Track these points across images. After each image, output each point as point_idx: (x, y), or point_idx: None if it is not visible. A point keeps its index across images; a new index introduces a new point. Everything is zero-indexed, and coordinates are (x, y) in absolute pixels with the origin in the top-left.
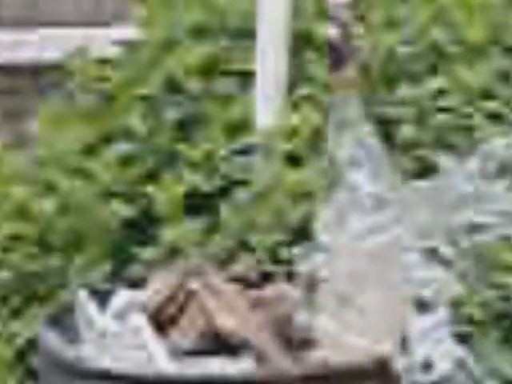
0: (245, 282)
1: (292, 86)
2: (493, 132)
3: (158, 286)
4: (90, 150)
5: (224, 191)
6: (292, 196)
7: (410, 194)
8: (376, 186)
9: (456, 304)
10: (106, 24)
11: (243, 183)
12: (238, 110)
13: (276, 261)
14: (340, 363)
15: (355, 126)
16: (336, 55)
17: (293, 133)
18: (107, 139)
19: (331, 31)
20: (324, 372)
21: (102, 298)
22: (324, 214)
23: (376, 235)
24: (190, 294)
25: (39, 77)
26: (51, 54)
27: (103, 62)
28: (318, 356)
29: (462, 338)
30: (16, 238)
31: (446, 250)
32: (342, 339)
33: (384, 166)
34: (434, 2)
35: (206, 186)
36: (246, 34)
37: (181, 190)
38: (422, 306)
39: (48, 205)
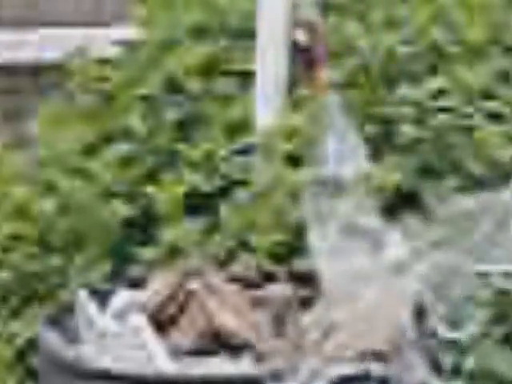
0: (245, 282)
1: (292, 86)
2: (493, 132)
3: (158, 286)
4: (90, 150)
5: (224, 191)
6: (292, 196)
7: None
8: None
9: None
10: (106, 24)
11: (243, 183)
12: (237, 110)
13: (276, 261)
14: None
15: (337, 125)
16: (306, 57)
17: (293, 133)
18: (107, 139)
19: (299, 35)
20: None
21: (102, 297)
22: (318, 245)
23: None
24: (190, 294)
25: (39, 77)
26: (51, 54)
27: (103, 61)
28: (318, 353)
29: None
30: (16, 237)
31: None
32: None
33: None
34: (434, 1)
35: (205, 185)
36: (246, 34)
37: (181, 190)
38: None
39: (48, 205)
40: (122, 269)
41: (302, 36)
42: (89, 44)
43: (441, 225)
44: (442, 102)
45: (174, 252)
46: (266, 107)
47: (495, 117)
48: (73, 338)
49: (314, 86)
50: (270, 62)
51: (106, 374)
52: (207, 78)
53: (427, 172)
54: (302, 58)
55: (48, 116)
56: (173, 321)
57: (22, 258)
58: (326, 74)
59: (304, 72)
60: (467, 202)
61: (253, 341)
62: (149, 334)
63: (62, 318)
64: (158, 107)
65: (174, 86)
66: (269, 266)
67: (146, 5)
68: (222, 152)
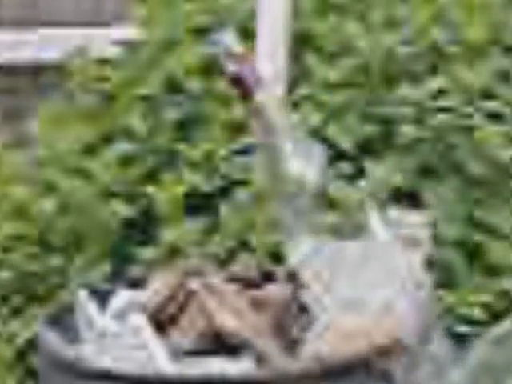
0: (245, 282)
1: (292, 85)
2: (493, 132)
3: (158, 286)
4: (90, 150)
5: (224, 191)
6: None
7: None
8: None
9: (454, 304)
10: (106, 24)
11: (243, 183)
12: (237, 110)
13: (276, 261)
14: (339, 358)
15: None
16: (242, 87)
17: None
18: (107, 139)
19: (230, 66)
20: (323, 370)
21: (102, 297)
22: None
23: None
24: (190, 294)
25: (39, 77)
26: (51, 54)
27: (103, 61)
28: (316, 352)
29: (462, 338)
30: (16, 237)
31: None
32: (339, 330)
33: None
34: (434, 1)
35: (206, 185)
36: (246, 33)
37: (181, 190)
38: None
39: (48, 205)
40: (121, 269)
41: (230, 67)
42: (89, 44)
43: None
44: (442, 102)
45: (174, 252)
46: None
47: (495, 117)
48: (73, 338)
49: (253, 111)
50: (269, 62)
51: (106, 374)
52: (207, 78)
53: (427, 172)
54: (236, 88)
55: (48, 116)
56: (173, 321)
57: (22, 258)
58: (262, 96)
59: (240, 100)
60: None
61: (253, 341)
62: (149, 334)
63: (62, 318)
64: (157, 107)
65: (173, 86)
66: (269, 266)
67: (146, 5)
68: (222, 152)
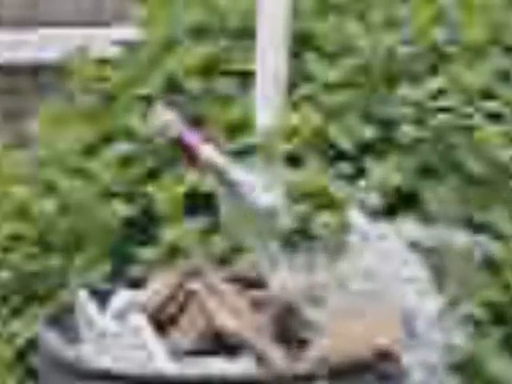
0: (245, 282)
1: (292, 85)
2: (493, 132)
3: (158, 286)
4: (90, 150)
5: None
6: (292, 196)
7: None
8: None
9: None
10: (106, 24)
11: None
12: (237, 110)
13: None
14: (340, 359)
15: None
16: (187, 150)
17: (293, 133)
18: (107, 139)
19: (176, 130)
20: (323, 370)
21: (102, 297)
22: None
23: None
24: (190, 294)
25: (39, 77)
26: (51, 54)
27: (103, 61)
28: (317, 353)
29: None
30: (16, 237)
31: None
32: (342, 331)
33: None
34: (434, 1)
35: (205, 185)
36: (246, 33)
37: (181, 190)
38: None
39: (48, 205)
40: (121, 269)
41: (170, 135)
42: (89, 44)
43: None
44: (442, 102)
45: (174, 252)
46: (266, 107)
47: (495, 117)
48: (73, 338)
49: (199, 167)
50: (269, 62)
51: (106, 374)
52: (207, 78)
53: (427, 172)
54: (181, 150)
55: (48, 116)
56: (173, 321)
57: (21, 258)
58: (207, 151)
59: (187, 162)
60: None
61: (253, 341)
62: (149, 333)
63: (61, 318)
64: None
65: (174, 86)
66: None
67: (146, 5)
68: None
